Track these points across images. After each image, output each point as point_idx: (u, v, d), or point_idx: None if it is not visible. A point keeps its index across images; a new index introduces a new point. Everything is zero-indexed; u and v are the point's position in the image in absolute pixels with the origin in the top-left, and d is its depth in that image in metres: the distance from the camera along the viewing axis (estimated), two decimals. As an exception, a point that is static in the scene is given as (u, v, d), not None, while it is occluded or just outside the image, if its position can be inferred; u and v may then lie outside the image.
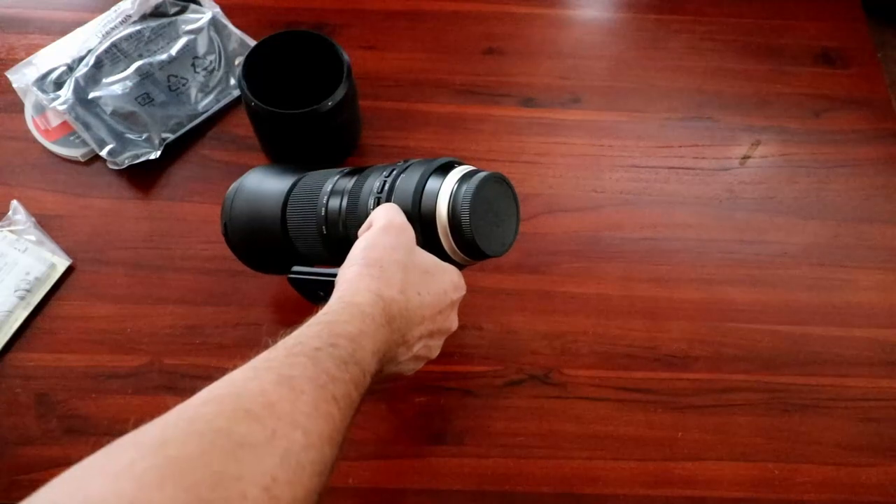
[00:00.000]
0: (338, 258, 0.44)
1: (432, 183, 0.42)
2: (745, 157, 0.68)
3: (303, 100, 0.56)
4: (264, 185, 0.51)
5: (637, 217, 0.64)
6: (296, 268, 0.45)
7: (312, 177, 0.50)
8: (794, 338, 0.60)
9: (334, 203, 0.46)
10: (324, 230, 0.46)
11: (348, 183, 0.46)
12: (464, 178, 0.41)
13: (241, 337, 0.57)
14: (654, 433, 0.55)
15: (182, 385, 0.55)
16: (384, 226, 0.39)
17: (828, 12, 0.77)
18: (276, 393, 0.28)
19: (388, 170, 0.45)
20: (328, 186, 0.47)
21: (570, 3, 0.78)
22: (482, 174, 0.42)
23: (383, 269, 0.37)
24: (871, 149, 0.69)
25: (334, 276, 0.41)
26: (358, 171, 0.48)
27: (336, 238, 0.46)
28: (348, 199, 0.45)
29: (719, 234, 0.64)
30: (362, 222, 0.42)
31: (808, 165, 0.68)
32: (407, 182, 0.42)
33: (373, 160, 0.65)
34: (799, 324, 0.60)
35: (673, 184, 0.66)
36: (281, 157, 0.64)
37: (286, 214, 0.49)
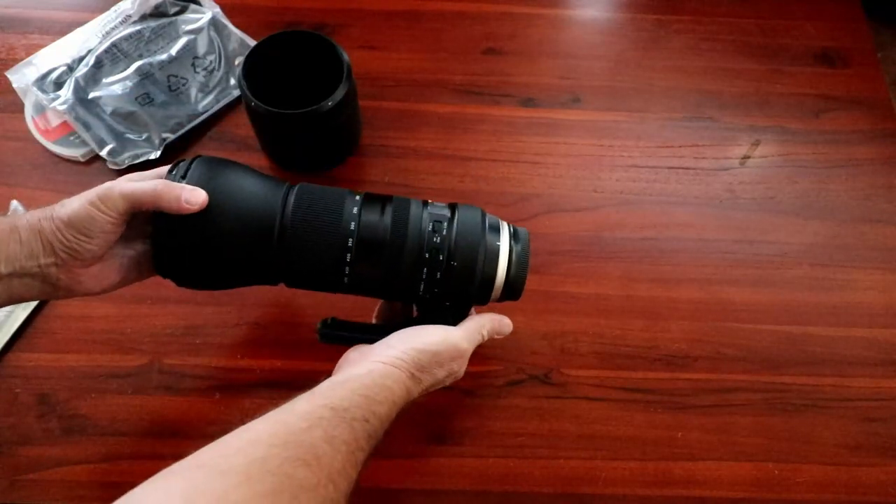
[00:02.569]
0: (356, 289, 0.46)
1: (490, 246, 0.45)
2: (745, 157, 0.68)
3: (303, 100, 0.56)
4: (245, 185, 0.44)
5: (637, 217, 0.64)
6: (327, 327, 0.47)
7: (314, 191, 0.45)
8: (794, 338, 0.60)
9: (368, 235, 0.43)
10: (348, 258, 0.43)
11: (381, 218, 0.44)
12: (514, 240, 0.46)
13: (241, 337, 0.57)
14: (654, 433, 0.55)
15: (182, 385, 0.55)
16: (459, 351, 0.45)
17: (828, 12, 0.77)
18: (322, 448, 0.35)
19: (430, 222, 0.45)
20: (351, 208, 0.44)
21: (570, 3, 0.78)
22: (527, 237, 0.47)
23: (424, 373, 0.44)
24: (871, 149, 0.69)
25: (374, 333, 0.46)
26: (380, 200, 0.45)
27: (364, 275, 0.44)
28: (390, 233, 0.44)
29: (719, 233, 0.64)
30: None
31: (808, 165, 0.68)
32: (468, 243, 0.44)
33: (373, 160, 0.66)
34: (799, 324, 0.60)
35: (673, 184, 0.66)
36: (281, 157, 0.64)
37: (286, 226, 0.43)
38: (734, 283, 0.62)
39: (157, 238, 0.42)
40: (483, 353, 0.57)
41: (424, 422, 0.55)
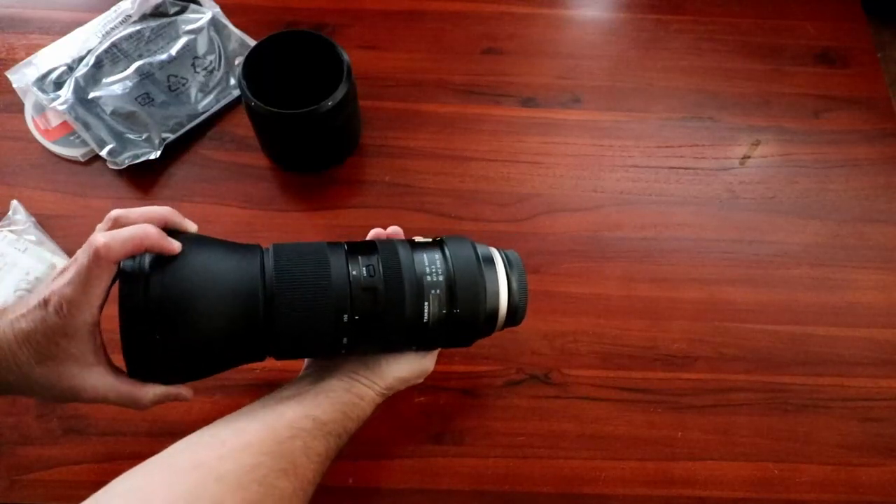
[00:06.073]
0: (354, 352, 0.43)
1: (490, 282, 0.43)
2: (745, 157, 0.68)
3: (303, 100, 0.56)
4: (216, 266, 0.39)
5: (637, 217, 0.64)
6: None
7: (291, 253, 0.40)
8: (794, 338, 0.60)
9: (362, 296, 0.40)
10: (344, 327, 0.40)
11: (368, 271, 0.40)
12: (509, 268, 0.44)
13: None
14: (654, 433, 0.55)
15: (182, 385, 0.55)
16: (426, 373, 0.48)
17: (828, 12, 0.77)
18: (300, 460, 0.38)
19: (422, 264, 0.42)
20: (339, 270, 0.40)
21: (570, 3, 0.78)
22: (520, 262, 0.45)
23: (392, 391, 0.46)
24: (871, 149, 0.69)
25: None
26: (364, 252, 0.42)
27: (362, 340, 0.41)
28: (385, 294, 0.40)
29: (719, 234, 0.64)
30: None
31: (808, 165, 0.68)
32: (468, 284, 0.42)
33: (373, 160, 0.66)
34: (799, 324, 0.60)
35: (673, 184, 0.66)
36: (281, 157, 0.64)
37: (271, 300, 0.39)
38: (734, 283, 0.62)
39: (129, 349, 0.38)
40: (483, 353, 0.57)
41: (424, 422, 0.55)
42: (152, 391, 0.40)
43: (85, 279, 0.36)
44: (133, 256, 0.37)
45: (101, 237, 0.36)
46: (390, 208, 0.63)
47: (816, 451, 0.55)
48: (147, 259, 0.37)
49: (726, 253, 0.63)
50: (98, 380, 0.39)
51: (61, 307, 0.37)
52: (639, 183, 0.66)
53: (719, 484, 0.54)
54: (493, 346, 0.57)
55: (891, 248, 0.64)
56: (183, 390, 0.42)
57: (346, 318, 0.39)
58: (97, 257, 0.36)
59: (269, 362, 0.56)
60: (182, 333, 0.37)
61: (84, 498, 0.33)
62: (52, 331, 0.37)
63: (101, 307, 0.38)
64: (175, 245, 0.38)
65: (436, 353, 0.48)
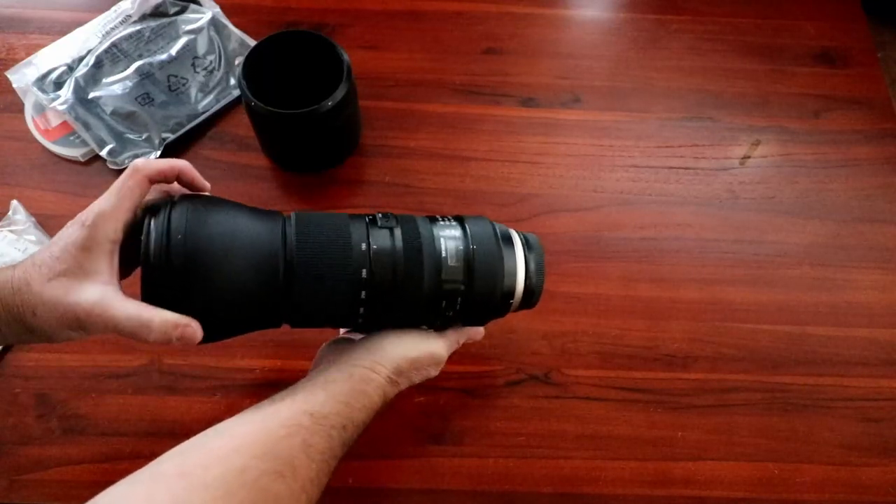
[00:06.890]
0: (370, 327, 0.44)
1: (508, 260, 0.43)
2: (745, 157, 0.68)
3: (303, 100, 0.56)
4: (238, 229, 0.39)
5: (637, 217, 0.64)
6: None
7: (314, 222, 0.41)
8: (794, 338, 0.60)
9: (382, 268, 0.40)
10: (362, 295, 0.40)
11: (392, 246, 0.41)
12: (527, 249, 0.44)
13: (241, 337, 0.57)
14: (654, 433, 0.55)
15: (182, 385, 0.55)
16: (438, 359, 0.46)
17: (828, 12, 0.77)
18: (299, 459, 0.36)
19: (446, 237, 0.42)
20: (359, 239, 0.40)
21: (570, 3, 0.78)
22: (539, 245, 0.45)
23: (402, 377, 0.45)
24: (871, 149, 0.69)
25: None
26: (386, 224, 0.42)
27: (380, 311, 0.42)
28: (404, 264, 0.40)
29: (719, 234, 0.64)
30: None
31: (808, 165, 0.68)
32: (486, 261, 0.42)
33: (373, 160, 0.66)
34: (799, 324, 0.60)
35: (673, 184, 0.66)
36: (281, 157, 0.64)
37: (292, 266, 0.39)
38: (734, 283, 0.62)
39: (147, 279, 0.38)
40: (483, 353, 0.57)
41: (424, 422, 0.55)
42: (161, 315, 0.37)
43: (118, 190, 0.38)
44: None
45: (140, 159, 0.39)
46: (390, 208, 0.63)
47: (816, 451, 0.55)
48: (174, 198, 0.39)
49: (726, 253, 0.63)
50: (109, 298, 0.37)
51: (88, 219, 0.38)
52: (639, 183, 0.66)
53: (719, 484, 0.54)
54: (493, 347, 0.57)
55: (891, 248, 0.64)
56: (193, 323, 0.37)
57: (363, 292, 0.40)
58: (134, 170, 0.38)
59: (270, 362, 0.56)
60: (202, 306, 0.37)
61: (85, 497, 0.33)
62: (73, 245, 0.37)
63: (126, 228, 0.38)
64: (206, 183, 0.41)
65: (446, 340, 0.46)
